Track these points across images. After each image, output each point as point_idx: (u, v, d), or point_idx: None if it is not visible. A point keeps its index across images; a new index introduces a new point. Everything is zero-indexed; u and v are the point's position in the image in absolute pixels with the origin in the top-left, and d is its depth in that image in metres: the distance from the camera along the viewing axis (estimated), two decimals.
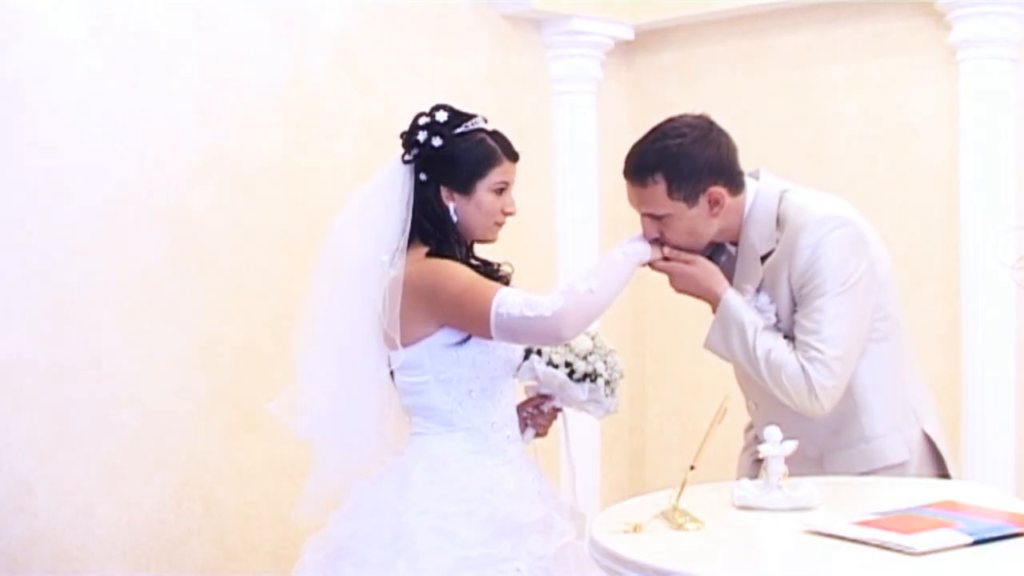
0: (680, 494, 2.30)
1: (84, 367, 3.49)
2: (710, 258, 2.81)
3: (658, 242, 2.71)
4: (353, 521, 2.55)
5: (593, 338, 2.70)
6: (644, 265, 2.69)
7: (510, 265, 2.73)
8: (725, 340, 2.69)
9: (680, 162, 2.65)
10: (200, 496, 3.73)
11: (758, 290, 2.72)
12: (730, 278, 2.76)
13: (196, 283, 3.71)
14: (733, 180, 2.71)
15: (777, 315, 2.70)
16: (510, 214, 2.66)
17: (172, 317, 3.66)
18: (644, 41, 4.80)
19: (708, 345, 2.75)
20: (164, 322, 3.65)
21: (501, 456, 2.60)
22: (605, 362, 2.68)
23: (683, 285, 2.74)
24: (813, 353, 2.61)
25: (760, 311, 2.70)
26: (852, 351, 2.66)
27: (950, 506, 2.29)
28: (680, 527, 2.23)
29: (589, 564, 2.55)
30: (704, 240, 2.74)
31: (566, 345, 2.66)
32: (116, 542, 3.56)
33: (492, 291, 2.49)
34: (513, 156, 2.65)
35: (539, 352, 2.68)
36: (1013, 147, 3.99)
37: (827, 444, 2.73)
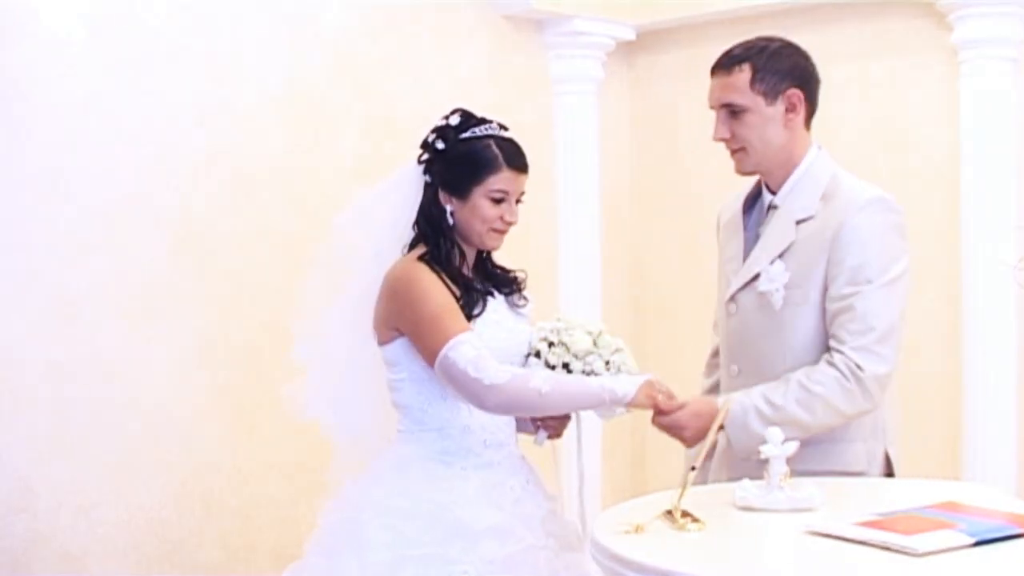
0: (682, 495, 2.30)
1: (85, 367, 3.49)
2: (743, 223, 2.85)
3: (653, 392, 2.59)
4: (330, 513, 2.63)
5: (596, 338, 2.66)
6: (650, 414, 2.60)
7: (524, 271, 2.74)
8: (748, 432, 2.64)
9: (768, 57, 2.74)
10: (200, 496, 3.73)
11: (781, 257, 2.72)
12: (755, 239, 2.79)
13: (196, 283, 3.71)
14: (811, 99, 2.79)
15: (786, 285, 2.71)
16: (510, 223, 2.65)
17: (172, 317, 3.66)
18: (645, 41, 4.80)
19: (739, 450, 2.69)
20: (164, 322, 3.65)
21: (473, 460, 2.61)
22: (608, 362, 2.63)
23: (693, 429, 2.66)
24: (863, 341, 2.63)
25: (770, 279, 2.72)
26: (899, 340, 2.68)
27: (952, 507, 2.28)
28: (681, 528, 2.23)
29: (557, 572, 2.57)
30: (770, 151, 2.75)
31: (563, 344, 2.64)
32: (117, 542, 3.55)
33: (452, 331, 2.50)
34: (518, 166, 2.64)
35: (538, 354, 2.66)
36: (1014, 147, 3.98)
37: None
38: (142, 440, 3.61)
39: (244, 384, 3.80)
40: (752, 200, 2.88)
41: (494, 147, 2.63)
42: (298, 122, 3.94)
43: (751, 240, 2.83)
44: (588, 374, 2.63)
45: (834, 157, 4.37)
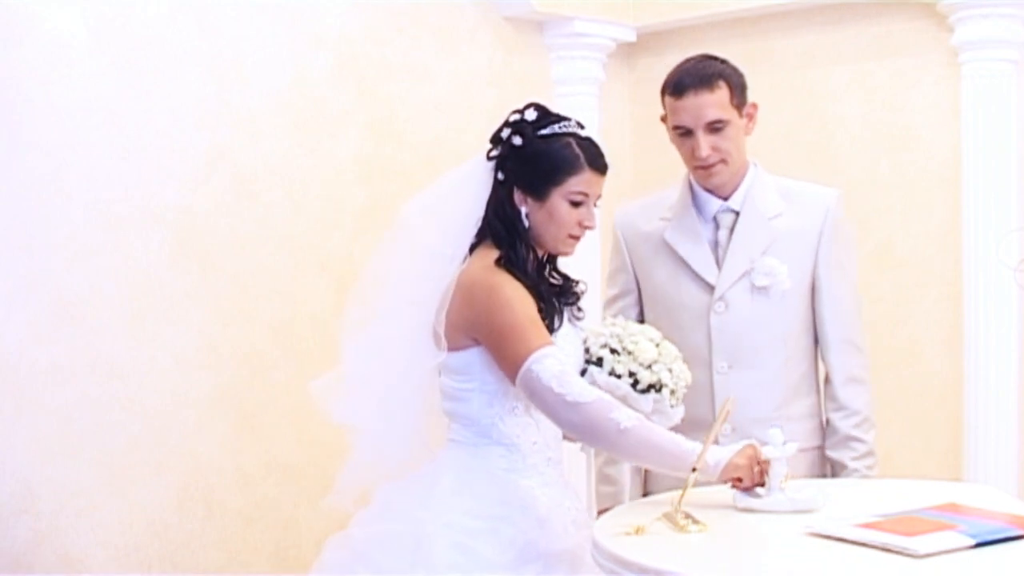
0: (682, 496, 2.30)
1: (86, 369, 3.49)
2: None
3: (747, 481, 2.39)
4: (374, 524, 2.47)
5: (658, 345, 2.61)
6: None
7: (585, 284, 2.64)
8: None
9: (734, 73, 2.92)
10: (202, 498, 3.73)
11: (766, 252, 2.89)
12: (715, 242, 2.94)
13: (198, 285, 3.71)
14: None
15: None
16: (588, 228, 2.54)
17: (174, 319, 3.66)
18: (646, 43, 4.80)
19: None
20: (166, 324, 3.65)
21: (538, 478, 2.50)
22: (671, 370, 2.58)
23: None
24: (859, 326, 2.98)
25: (768, 275, 2.87)
26: None
27: (952, 508, 2.29)
28: (682, 529, 2.23)
29: None
30: (740, 161, 2.93)
31: (630, 353, 2.55)
32: (118, 544, 3.55)
33: (537, 343, 2.37)
34: (599, 167, 2.53)
35: (599, 361, 2.57)
36: (1015, 149, 3.98)
37: (783, 412, 2.90)
38: (144, 442, 3.60)
39: (246, 386, 3.80)
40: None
41: (575, 146, 2.52)
42: (300, 123, 3.94)
43: (713, 243, 2.94)
44: (654, 385, 2.54)
45: (836, 158, 4.40)
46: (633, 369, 2.55)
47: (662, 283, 2.99)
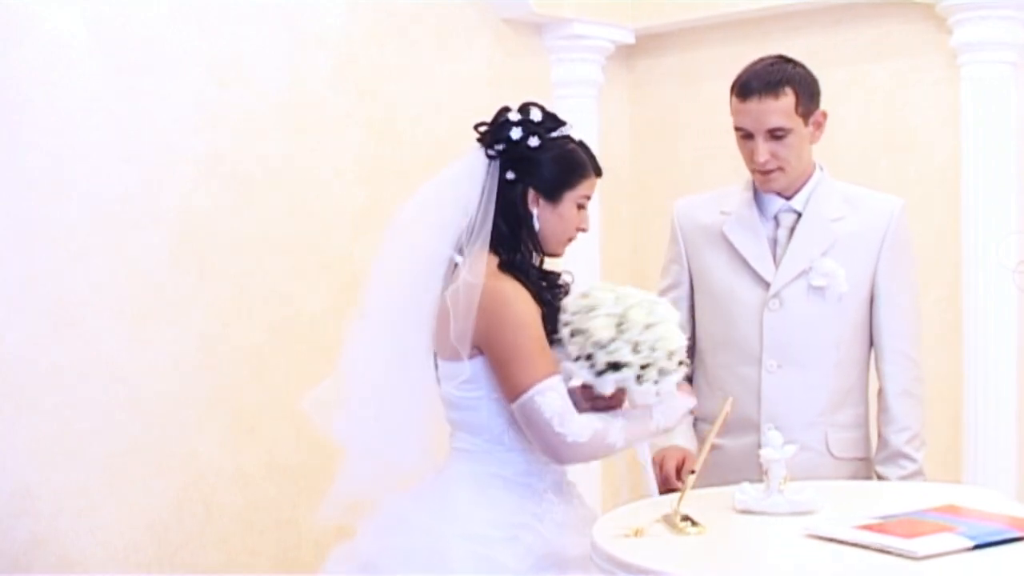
0: (681, 498, 2.30)
1: (85, 370, 3.49)
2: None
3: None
4: (387, 537, 2.43)
5: (620, 318, 2.40)
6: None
7: (571, 274, 2.60)
8: None
9: (805, 79, 2.85)
10: (202, 499, 3.73)
11: (825, 254, 2.86)
12: (774, 240, 2.92)
13: (197, 285, 3.71)
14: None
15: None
16: (582, 230, 2.55)
17: (173, 319, 3.66)
18: (645, 45, 4.80)
19: None
20: (165, 324, 3.65)
21: (550, 480, 2.49)
22: (636, 344, 2.38)
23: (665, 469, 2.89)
24: (917, 338, 2.93)
25: (826, 276, 2.83)
26: None
27: (951, 510, 2.29)
28: (681, 531, 2.23)
29: None
30: (801, 168, 2.88)
31: (583, 333, 2.39)
32: (118, 545, 3.56)
33: (543, 372, 2.34)
34: (599, 171, 2.55)
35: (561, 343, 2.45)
36: (1014, 150, 3.98)
37: (829, 420, 2.87)
38: (143, 442, 3.61)
39: (245, 386, 3.80)
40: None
41: (580, 151, 2.52)
42: (300, 125, 3.94)
43: (772, 241, 2.92)
44: (613, 365, 2.39)
45: (835, 160, 4.39)
46: (589, 351, 2.38)
47: (717, 277, 2.95)
